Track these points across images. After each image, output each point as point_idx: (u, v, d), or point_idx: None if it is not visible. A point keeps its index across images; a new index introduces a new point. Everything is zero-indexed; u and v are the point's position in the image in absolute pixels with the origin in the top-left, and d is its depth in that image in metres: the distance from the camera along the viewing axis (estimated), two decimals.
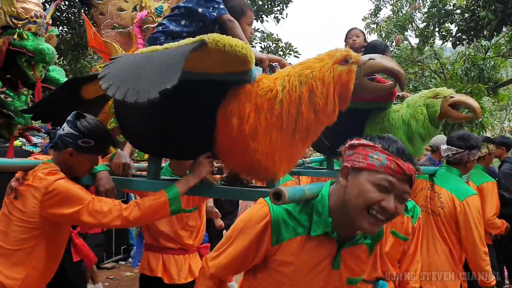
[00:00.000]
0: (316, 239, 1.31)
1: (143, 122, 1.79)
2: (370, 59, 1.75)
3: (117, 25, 4.18)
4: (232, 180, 1.94)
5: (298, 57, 9.84)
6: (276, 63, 2.11)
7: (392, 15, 13.41)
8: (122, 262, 6.33)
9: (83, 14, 4.77)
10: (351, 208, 1.23)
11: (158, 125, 1.75)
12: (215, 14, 2.09)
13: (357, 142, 1.29)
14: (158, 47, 1.63)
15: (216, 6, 2.10)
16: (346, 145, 1.33)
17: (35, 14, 2.39)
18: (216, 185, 1.80)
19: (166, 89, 1.15)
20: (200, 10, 2.10)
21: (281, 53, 10.02)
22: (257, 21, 10.73)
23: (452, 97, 2.49)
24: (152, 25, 3.88)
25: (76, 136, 1.81)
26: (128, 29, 4.07)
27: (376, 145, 1.24)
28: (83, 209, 1.72)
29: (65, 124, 1.85)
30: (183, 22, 2.14)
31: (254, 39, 10.20)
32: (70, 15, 8.56)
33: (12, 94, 2.47)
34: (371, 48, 3.07)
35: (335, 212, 1.30)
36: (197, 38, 1.39)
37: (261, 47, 10.43)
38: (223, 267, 1.39)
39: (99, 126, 1.89)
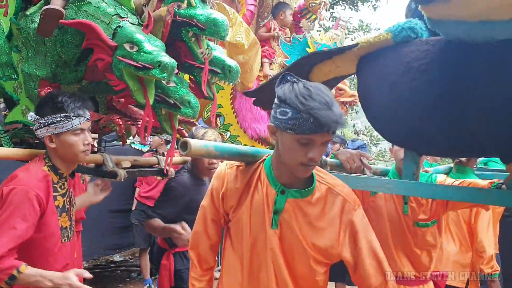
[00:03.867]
0: None
1: (412, 107, 1.47)
2: None
3: None
4: None
5: None
6: None
7: None
8: None
9: None
10: None
11: (440, 110, 1.35)
12: None
13: None
14: None
15: None
16: None
17: None
18: None
19: None
20: None
21: None
22: (351, 10, 10.01)
23: None
24: None
25: None
26: None
27: None
28: None
29: None
30: None
31: (349, 29, 9.43)
32: None
33: (175, 79, 1.99)
34: None
35: None
36: None
37: (351, 39, 9.23)
38: None
39: None
